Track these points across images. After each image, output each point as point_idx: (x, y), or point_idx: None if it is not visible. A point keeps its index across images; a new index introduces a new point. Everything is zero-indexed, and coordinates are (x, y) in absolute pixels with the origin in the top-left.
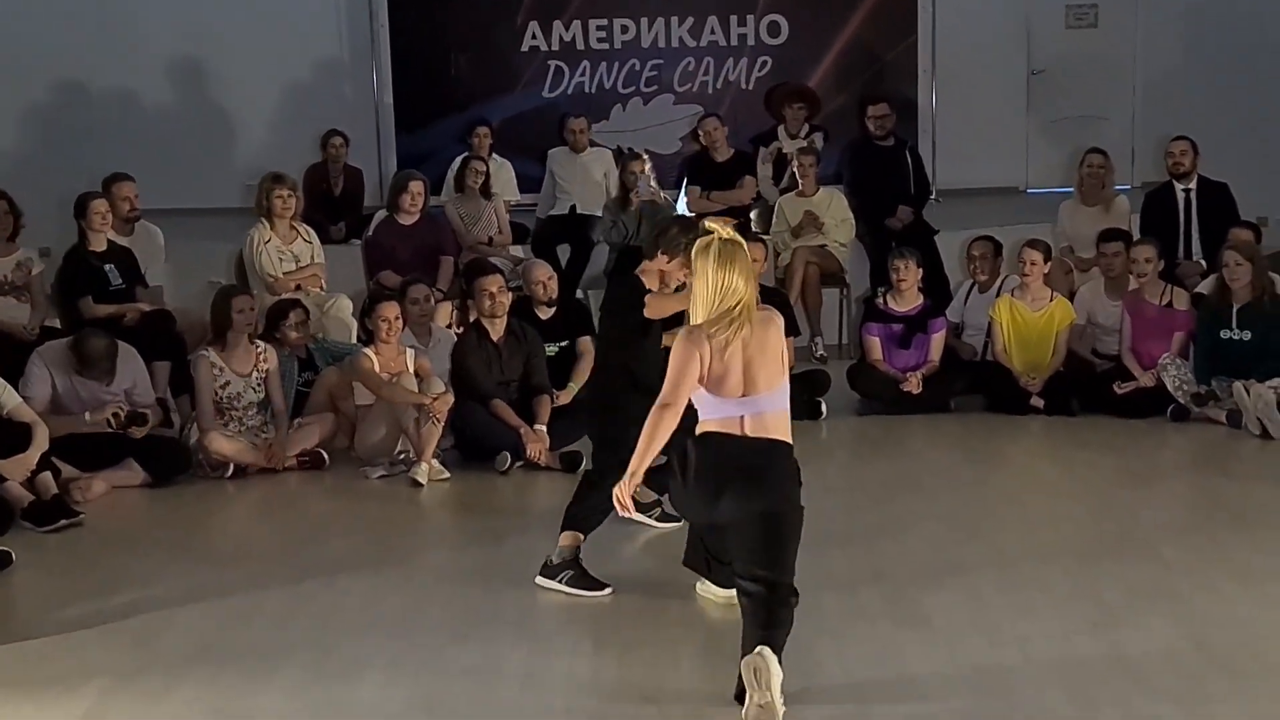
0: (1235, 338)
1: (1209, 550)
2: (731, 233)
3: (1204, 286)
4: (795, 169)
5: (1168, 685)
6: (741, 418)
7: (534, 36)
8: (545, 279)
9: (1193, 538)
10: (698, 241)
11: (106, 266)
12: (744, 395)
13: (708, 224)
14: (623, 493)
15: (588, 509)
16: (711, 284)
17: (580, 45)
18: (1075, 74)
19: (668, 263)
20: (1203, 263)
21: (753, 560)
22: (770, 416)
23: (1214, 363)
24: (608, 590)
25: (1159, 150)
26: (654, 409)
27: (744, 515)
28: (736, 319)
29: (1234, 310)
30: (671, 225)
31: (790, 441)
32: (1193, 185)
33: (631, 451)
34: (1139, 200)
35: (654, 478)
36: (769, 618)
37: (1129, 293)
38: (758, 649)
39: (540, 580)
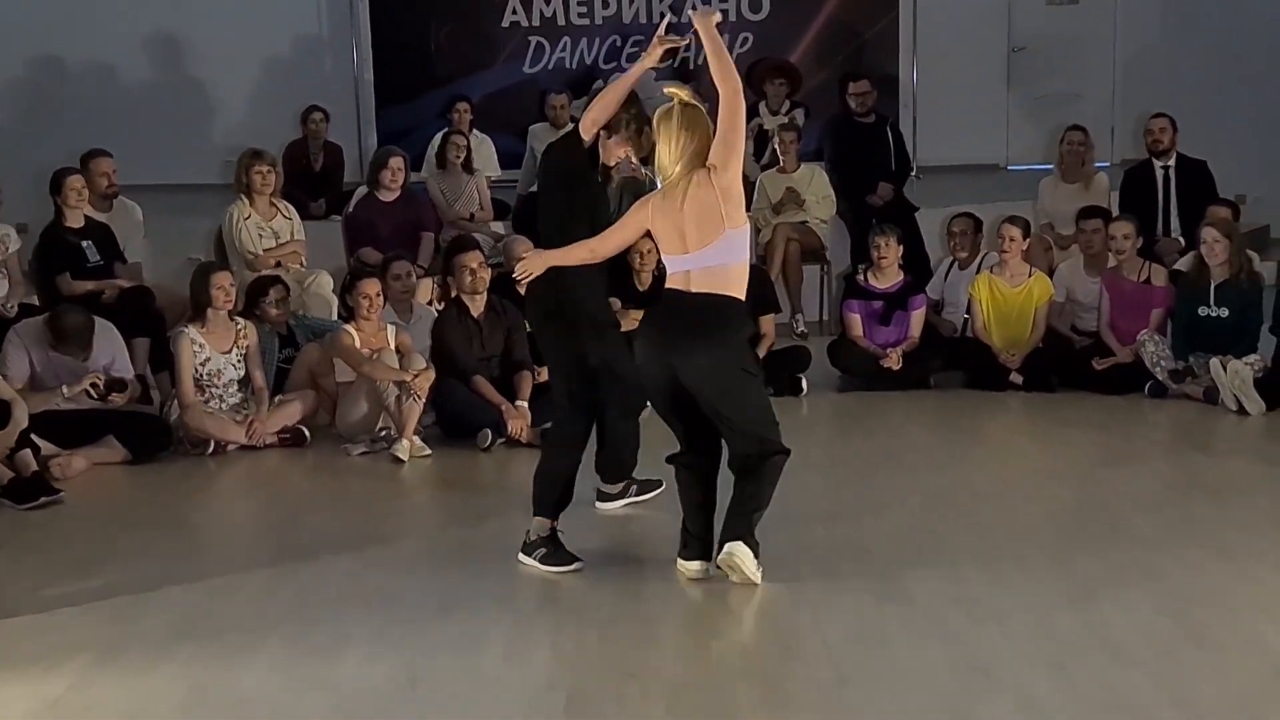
0: (1213, 315)
1: (1187, 526)
2: (690, 97)
3: (1182, 263)
4: (776, 145)
5: (1146, 659)
6: (686, 273)
7: (515, 12)
8: (527, 255)
9: (1171, 513)
10: (659, 109)
11: (84, 243)
12: (685, 253)
13: (666, 89)
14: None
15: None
16: (674, 146)
17: (561, 20)
18: (1056, 51)
19: (611, 139)
20: (1181, 240)
21: (732, 436)
22: (715, 271)
23: (1192, 339)
24: (577, 565)
25: (1138, 127)
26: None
27: (696, 376)
28: (673, 181)
29: (1211, 287)
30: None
31: (739, 297)
32: (1171, 163)
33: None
34: (1118, 177)
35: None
36: (757, 488)
37: (1108, 270)
38: (726, 549)
39: (520, 558)
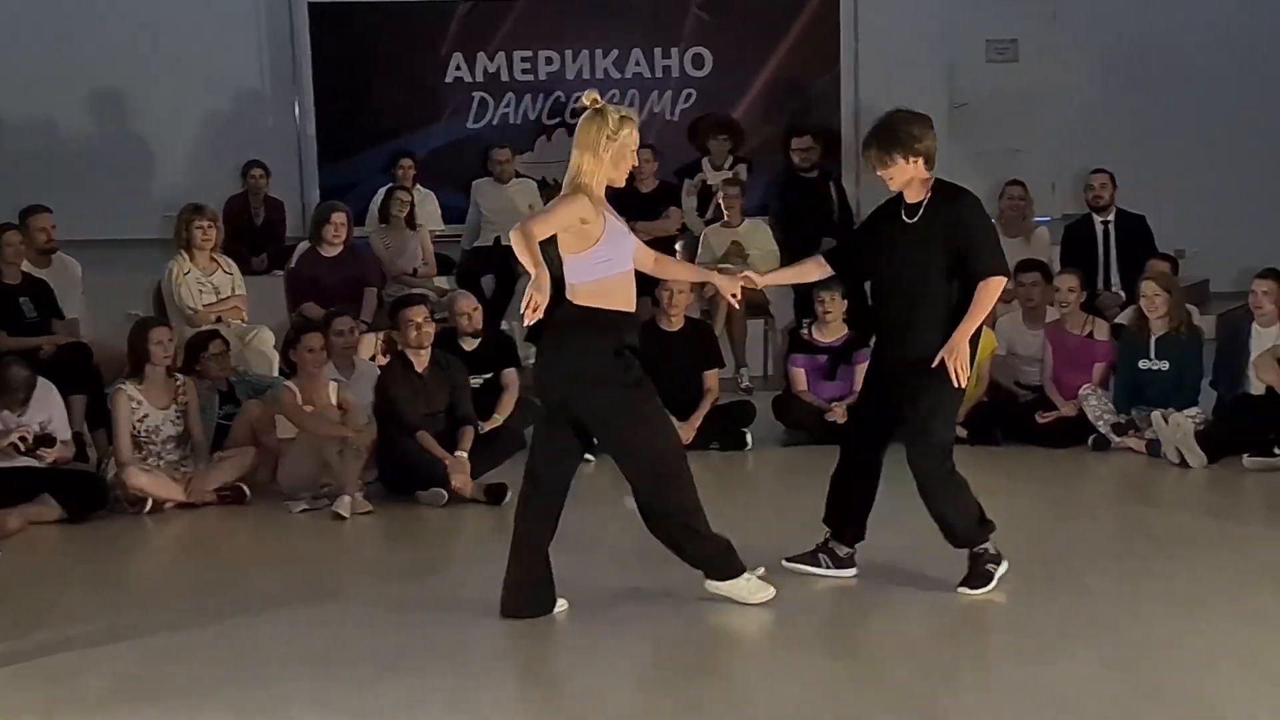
0: (1154, 368)
1: (1133, 578)
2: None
3: (1123, 317)
4: (721, 200)
5: (1095, 713)
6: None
7: (458, 68)
8: (470, 310)
9: (1117, 566)
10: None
11: (21, 299)
12: None
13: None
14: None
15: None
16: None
17: (505, 77)
18: (996, 107)
19: None
20: (1121, 294)
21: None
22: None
23: (1133, 393)
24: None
25: (1078, 183)
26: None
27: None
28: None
29: (1152, 341)
30: None
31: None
32: (1111, 218)
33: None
34: (1059, 232)
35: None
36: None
37: (1051, 323)
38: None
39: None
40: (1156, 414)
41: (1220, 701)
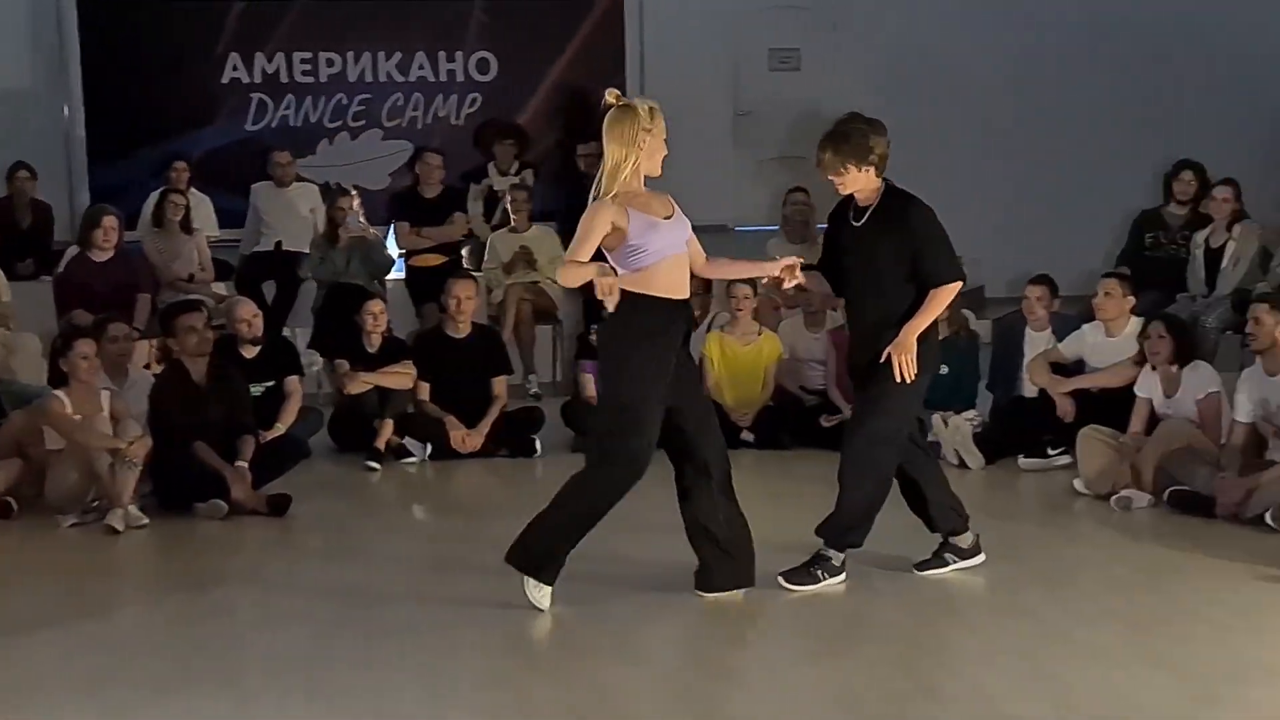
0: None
1: (914, 579)
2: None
3: None
4: (509, 205)
5: (882, 714)
6: None
7: (235, 68)
8: (250, 317)
9: (901, 566)
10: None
11: None
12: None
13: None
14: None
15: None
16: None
17: (284, 78)
18: (779, 115)
19: None
20: None
21: None
22: None
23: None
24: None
25: None
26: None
27: None
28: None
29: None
30: None
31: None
32: None
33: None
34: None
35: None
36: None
37: (834, 329)
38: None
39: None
40: (936, 417)
41: (998, 696)
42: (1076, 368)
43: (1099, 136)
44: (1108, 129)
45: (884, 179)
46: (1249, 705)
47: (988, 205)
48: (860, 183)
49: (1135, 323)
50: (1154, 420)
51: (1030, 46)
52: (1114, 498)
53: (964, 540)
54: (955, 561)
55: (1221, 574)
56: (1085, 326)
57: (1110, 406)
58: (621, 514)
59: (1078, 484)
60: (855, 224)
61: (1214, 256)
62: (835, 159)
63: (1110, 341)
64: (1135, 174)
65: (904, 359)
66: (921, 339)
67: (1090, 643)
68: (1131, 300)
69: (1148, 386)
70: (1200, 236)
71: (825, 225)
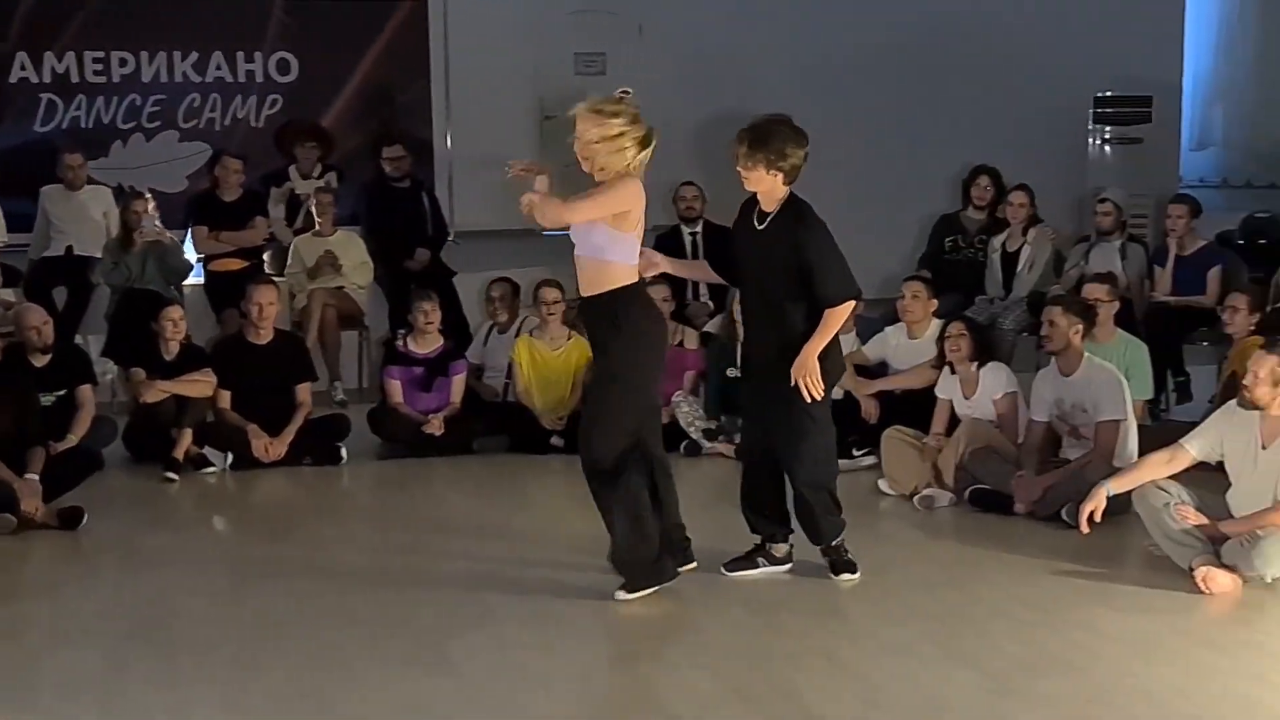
0: (740, 374)
1: (724, 581)
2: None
3: (712, 326)
4: (313, 209)
5: (688, 712)
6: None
7: (23, 68)
8: (39, 324)
9: (707, 570)
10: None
11: None
12: None
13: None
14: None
15: None
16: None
17: (75, 78)
18: None
19: None
20: (710, 303)
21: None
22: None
23: (723, 399)
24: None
25: (668, 195)
26: None
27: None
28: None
29: (739, 348)
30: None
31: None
32: (699, 229)
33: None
34: (650, 242)
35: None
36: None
37: None
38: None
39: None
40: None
41: (806, 696)
42: (880, 369)
43: (899, 141)
44: (907, 134)
45: (790, 190)
46: (1044, 697)
47: None
48: (765, 185)
49: (937, 325)
50: (955, 420)
51: (829, 52)
52: (917, 497)
53: (779, 550)
54: (765, 565)
55: (1020, 570)
56: (888, 329)
57: (913, 408)
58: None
59: (882, 484)
60: (758, 226)
61: (1010, 260)
62: (749, 154)
63: (913, 343)
64: (934, 178)
65: (808, 379)
66: (823, 356)
67: (896, 641)
68: (934, 303)
69: (948, 388)
70: (997, 240)
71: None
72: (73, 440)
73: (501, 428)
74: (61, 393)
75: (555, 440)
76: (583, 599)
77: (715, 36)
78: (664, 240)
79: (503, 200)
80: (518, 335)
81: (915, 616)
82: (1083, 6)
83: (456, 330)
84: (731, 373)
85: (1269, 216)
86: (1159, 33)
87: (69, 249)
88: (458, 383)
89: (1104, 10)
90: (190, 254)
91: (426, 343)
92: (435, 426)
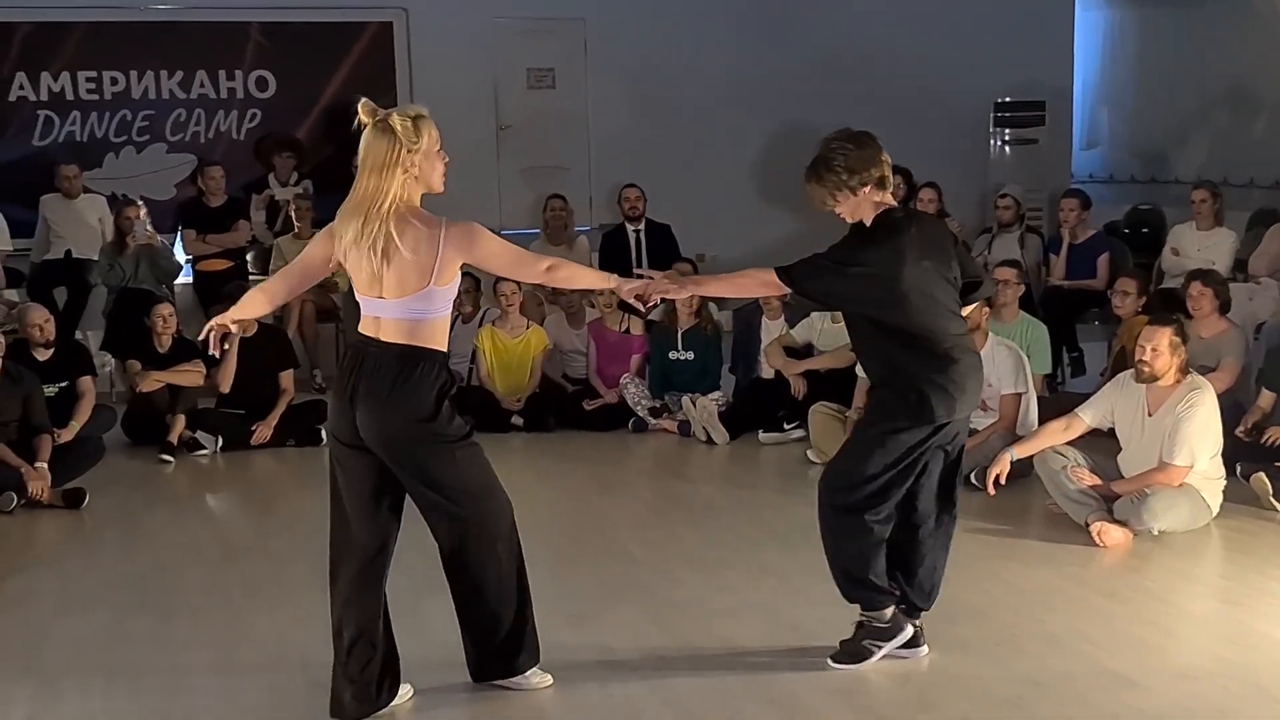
0: (681, 358)
1: (669, 544)
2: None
3: (655, 314)
4: (293, 213)
5: (640, 667)
6: (376, 319)
7: (21, 87)
8: (42, 322)
9: (654, 534)
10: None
11: None
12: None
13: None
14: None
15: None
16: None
17: (70, 96)
18: (538, 128)
19: None
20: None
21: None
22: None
23: (665, 380)
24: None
25: (613, 196)
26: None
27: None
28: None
29: (679, 334)
30: None
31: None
32: (642, 227)
33: None
34: (598, 239)
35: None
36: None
37: (593, 321)
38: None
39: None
40: (686, 398)
41: (747, 648)
42: (807, 351)
43: (817, 143)
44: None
45: (885, 202)
46: (957, 641)
47: (720, 209)
48: (848, 207)
49: None
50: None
51: (757, 65)
52: None
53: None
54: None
55: None
56: (814, 314)
57: (837, 385)
58: None
59: (810, 454)
60: None
61: None
62: (812, 193)
63: (835, 328)
64: None
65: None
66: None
67: (825, 594)
68: None
69: None
70: None
71: (584, 228)
72: (75, 427)
73: (466, 410)
74: (64, 384)
75: (515, 420)
76: (541, 561)
77: (650, 54)
78: (610, 238)
79: (463, 203)
80: (480, 325)
81: None
82: (983, 22)
83: None
84: (673, 355)
85: (1150, 208)
86: (1051, 45)
87: (68, 253)
88: None
89: (1002, 25)
90: (180, 255)
91: None
92: None
